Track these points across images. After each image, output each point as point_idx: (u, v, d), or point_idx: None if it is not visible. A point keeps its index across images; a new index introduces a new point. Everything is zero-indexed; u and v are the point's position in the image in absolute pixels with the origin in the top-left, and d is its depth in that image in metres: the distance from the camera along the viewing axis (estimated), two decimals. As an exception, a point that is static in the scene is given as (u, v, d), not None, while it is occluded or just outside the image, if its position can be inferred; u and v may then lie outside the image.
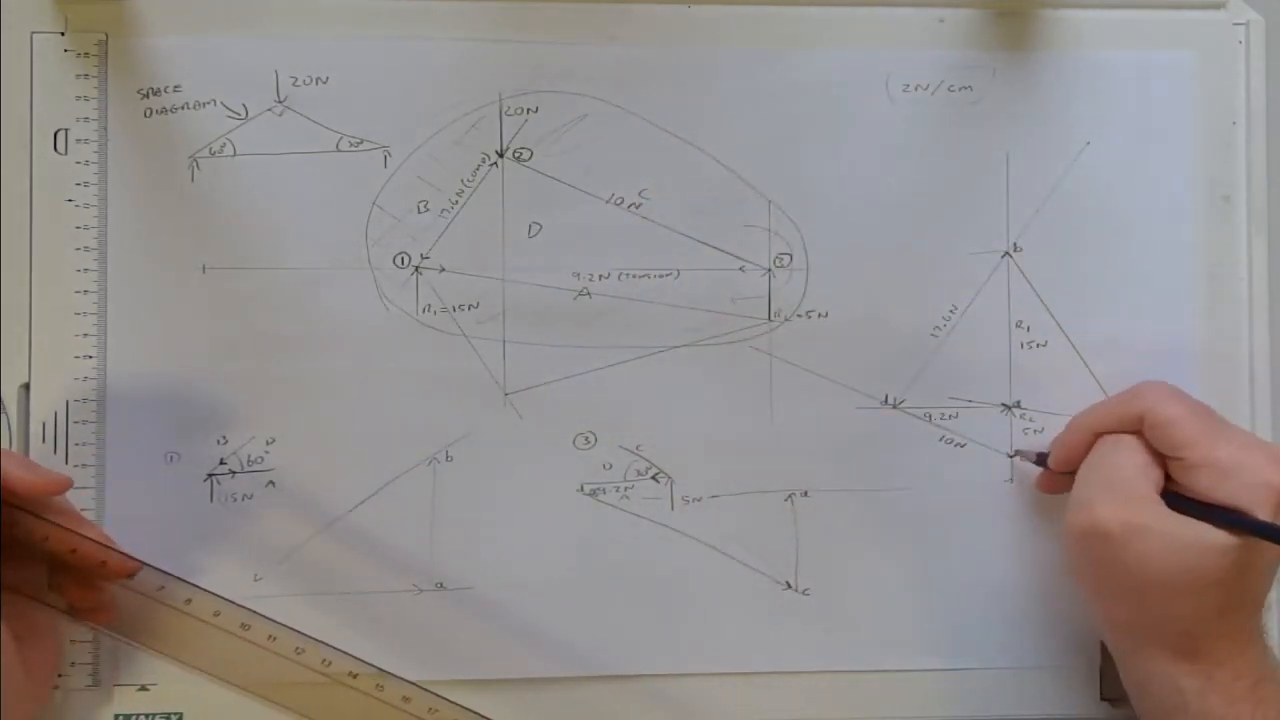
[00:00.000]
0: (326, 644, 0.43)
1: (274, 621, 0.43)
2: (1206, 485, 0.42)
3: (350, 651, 0.44)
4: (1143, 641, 0.44)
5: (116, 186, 0.47)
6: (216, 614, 0.44)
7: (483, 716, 0.45)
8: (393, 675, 0.43)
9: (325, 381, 0.48)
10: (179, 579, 0.44)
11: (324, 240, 0.48)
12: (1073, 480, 0.46)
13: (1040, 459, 0.48)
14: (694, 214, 0.49)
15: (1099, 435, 0.46)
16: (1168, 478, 0.44)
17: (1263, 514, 0.41)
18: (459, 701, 0.44)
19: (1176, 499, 0.43)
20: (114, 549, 0.44)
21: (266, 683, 0.44)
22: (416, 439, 0.48)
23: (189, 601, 0.44)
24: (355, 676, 0.44)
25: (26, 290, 0.47)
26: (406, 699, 0.43)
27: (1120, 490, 0.43)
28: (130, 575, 0.44)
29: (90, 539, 0.44)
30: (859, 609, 0.49)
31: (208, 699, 0.44)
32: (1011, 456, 0.49)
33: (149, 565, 0.44)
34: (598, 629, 0.48)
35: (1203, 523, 0.42)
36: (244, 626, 0.44)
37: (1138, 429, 0.44)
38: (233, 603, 0.43)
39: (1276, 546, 0.41)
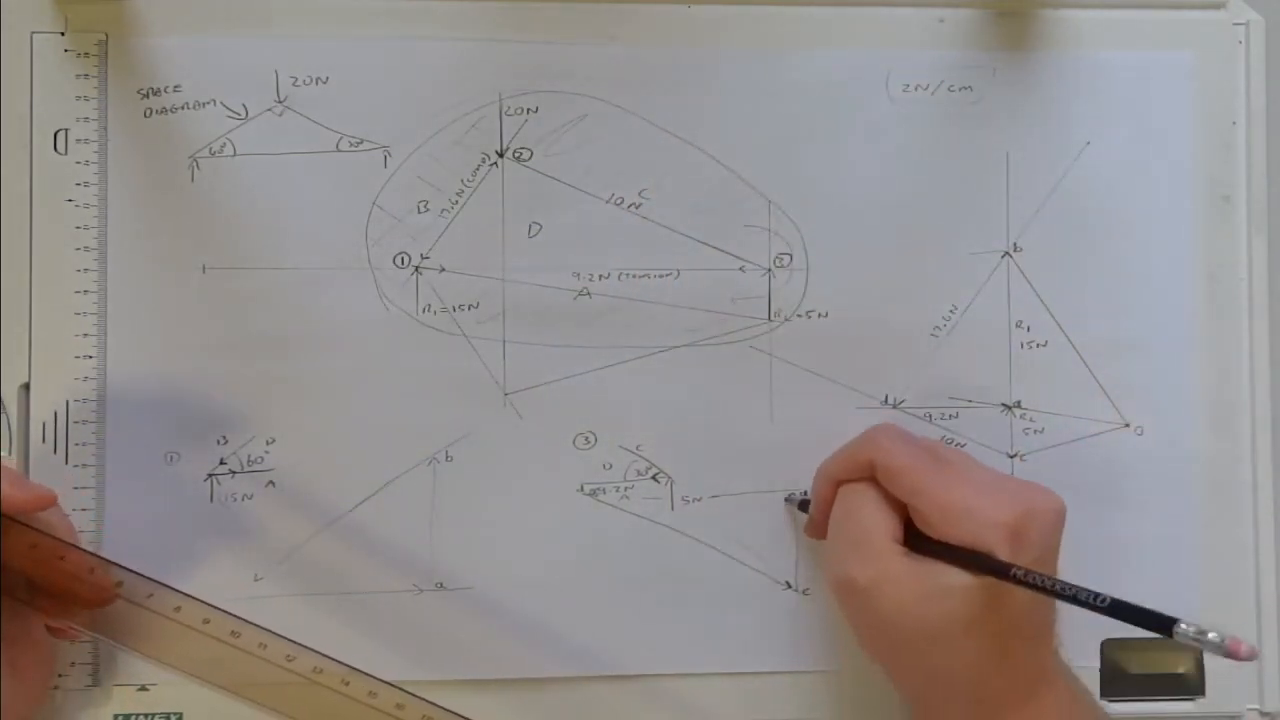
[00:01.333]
0: (317, 651, 0.43)
1: (264, 629, 0.43)
2: (941, 529, 0.41)
3: (350, 651, 0.44)
4: (933, 700, 0.43)
5: (116, 186, 0.47)
6: (206, 621, 0.43)
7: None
8: (386, 682, 0.43)
9: (325, 381, 0.48)
10: (168, 587, 0.43)
11: (324, 240, 0.48)
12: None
13: (803, 505, 0.48)
14: (694, 214, 0.49)
15: (839, 484, 0.45)
16: (909, 522, 0.43)
17: (1001, 553, 0.40)
18: (459, 702, 0.44)
19: (918, 543, 0.42)
20: (91, 575, 0.43)
21: (257, 689, 0.44)
22: (416, 439, 0.48)
23: (178, 609, 0.43)
24: (347, 683, 0.43)
25: (26, 290, 0.47)
26: (400, 706, 0.43)
27: (861, 543, 0.42)
28: (104, 604, 0.43)
29: (76, 548, 0.43)
30: (859, 609, 0.49)
31: (207, 699, 0.44)
32: (786, 500, 0.48)
33: (136, 573, 0.44)
34: (598, 629, 0.48)
35: (942, 564, 0.41)
36: (234, 634, 0.43)
37: (872, 475, 0.43)
38: (222, 610, 0.43)
39: (1023, 589, 0.40)
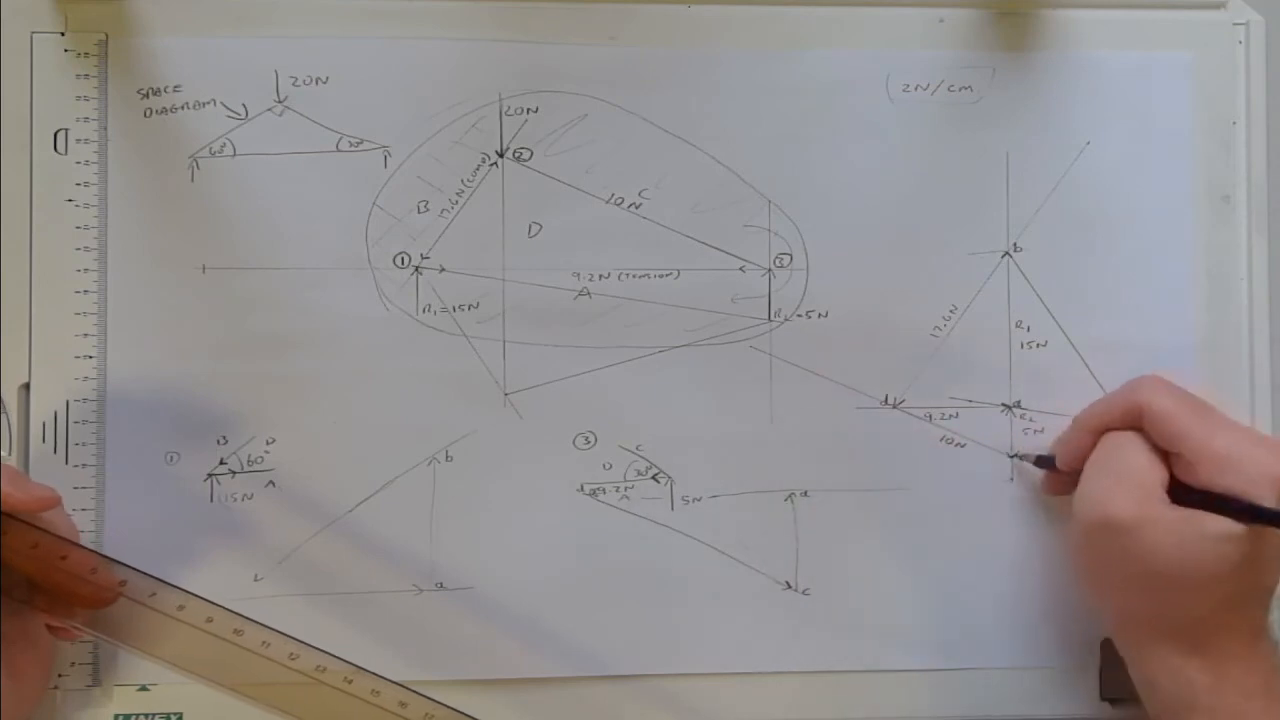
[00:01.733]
0: (320, 649, 0.43)
1: (267, 627, 0.43)
2: (1207, 477, 0.42)
3: (350, 651, 0.44)
4: (1153, 637, 0.44)
5: (116, 186, 0.47)
6: (209, 620, 0.43)
7: None
8: (389, 680, 0.43)
9: (325, 381, 0.48)
10: (171, 585, 0.43)
11: (324, 240, 0.48)
12: (1076, 481, 0.45)
13: (1040, 461, 0.48)
14: (694, 214, 0.49)
15: (1102, 433, 0.46)
16: (1172, 474, 0.44)
17: (1267, 504, 0.41)
18: (459, 702, 0.44)
19: (1181, 493, 0.43)
20: (93, 575, 0.43)
21: (260, 688, 0.44)
22: (416, 439, 0.48)
23: (181, 608, 0.43)
24: (351, 681, 0.43)
25: (26, 290, 0.47)
26: (403, 704, 0.43)
27: (1130, 483, 0.43)
28: (106, 604, 0.43)
29: (79, 547, 0.43)
30: (859, 609, 0.49)
31: (207, 699, 0.44)
32: (1012, 457, 0.49)
33: (139, 571, 0.44)
34: (598, 629, 0.48)
35: (1207, 513, 0.42)
36: (237, 632, 0.43)
37: (1138, 424, 0.45)
38: (225, 609, 0.43)
39: (1278, 538, 0.41)
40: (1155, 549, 0.42)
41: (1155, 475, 0.43)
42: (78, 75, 0.47)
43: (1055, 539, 0.49)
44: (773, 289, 0.49)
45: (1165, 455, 0.44)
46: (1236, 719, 0.42)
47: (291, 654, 0.43)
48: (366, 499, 0.48)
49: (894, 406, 0.49)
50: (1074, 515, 0.45)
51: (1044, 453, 0.48)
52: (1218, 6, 0.50)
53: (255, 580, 0.47)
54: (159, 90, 0.47)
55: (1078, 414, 0.47)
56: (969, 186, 0.49)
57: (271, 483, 0.48)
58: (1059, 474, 0.48)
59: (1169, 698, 0.44)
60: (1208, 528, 0.41)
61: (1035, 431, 0.49)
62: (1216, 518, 0.41)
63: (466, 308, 0.48)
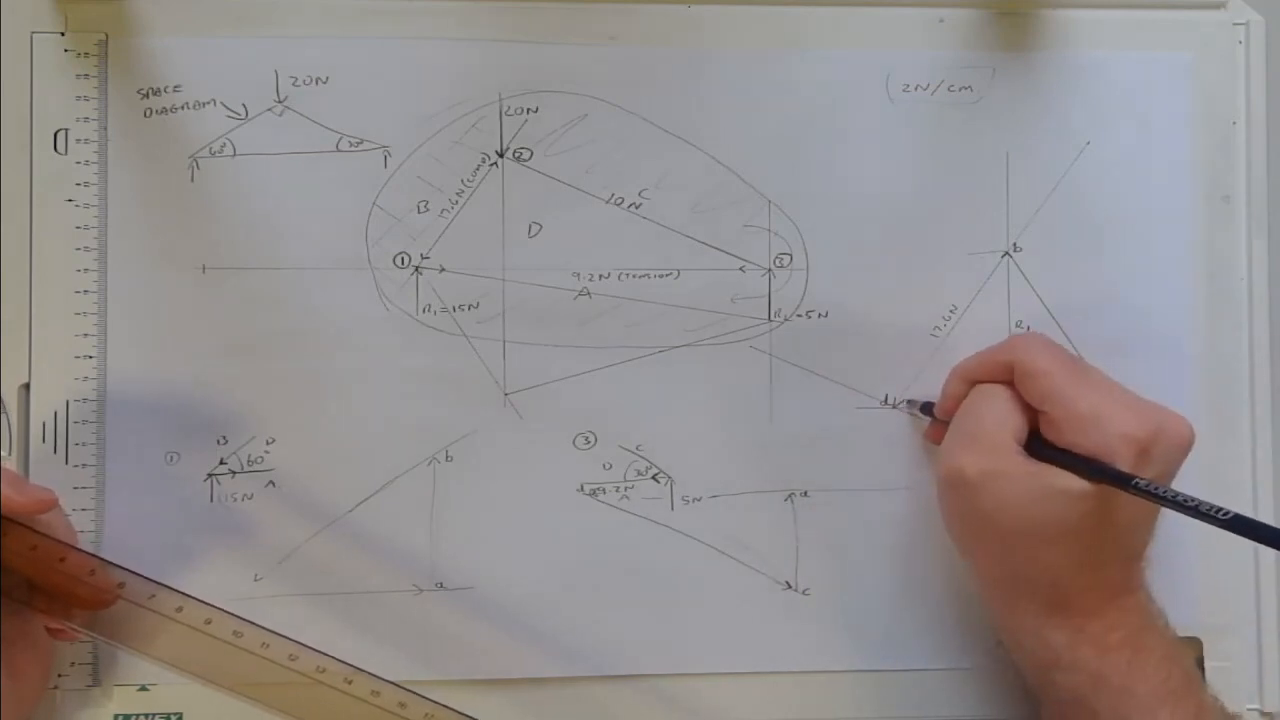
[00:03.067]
0: (319, 651, 0.43)
1: (267, 629, 0.43)
2: (1069, 437, 0.42)
3: (350, 651, 0.44)
4: (1012, 595, 0.44)
5: (116, 186, 0.47)
6: (208, 622, 0.43)
7: (480, 720, 0.45)
8: (389, 681, 0.43)
9: (325, 381, 0.48)
10: (169, 587, 0.43)
11: (324, 240, 0.48)
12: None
13: (925, 408, 0.48)
14: (694, 214, 0.49)
15: (973, 384, 0.46)
16: (1037, 430, 0.44)
17: (1123, 464, 0.41)
18: (459, 702, 0.44)
19: (1039, 448, 0.43)
20: (92, 576, 0.43)
21: (260, 689, 0.44)
22: (416, 439, 0.48)
23: (180, 609, 0.43)
24: (350, 682, 0.43)
25: (26, 290, 0.47)
26: (403, 705, 0.43)
27: (981, 438, 0.43)
28: (105, 606, 0.43)
29: (78, 549, 0.43)
30: (859, 609, 0.49)
31: (207, 699, 0.44)
32: (896, 406, 0.49)
33: (138, 574, 0.44)
34: (598, 629, 0.48)
35: (1059, 469, 0.42)
36: (236, 634, 0.43)
37: (1009, 379, 0.45)
38: (224, 610, 0.43)
39: (1137, 499, 0.41)
40: (1002, 503, 0.42)
41: (1009, 429, 0.43)
42: (78, 75, 0.47)
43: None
44: (773, 289, 0.49)
45: (1032, 412, 0.44)
46: (1098, 676, 0.42)
47: (291, 655, 0.43)
48: (366, 499, 0.48)
49: (894, 406, 0.49)
50: (935, 471, 0.45)
51: (932, 400, 0.49)
52: (1218, 6, 0.50)
53: (255, 580, 0.47)
54: (159, 90, 0.47)
55: (956, 364, 0.48)
56: (969, 186, 0.49)
57: (271, 483, 0.48)
58: (938, 424, 0.48)
59: (1032, 657, 0.44)
60: (1055, 483, 0.41)
61: (1035, 431, 0.49)
62: (1064, 474, 0.41)
63: (466, 308, 0.48)
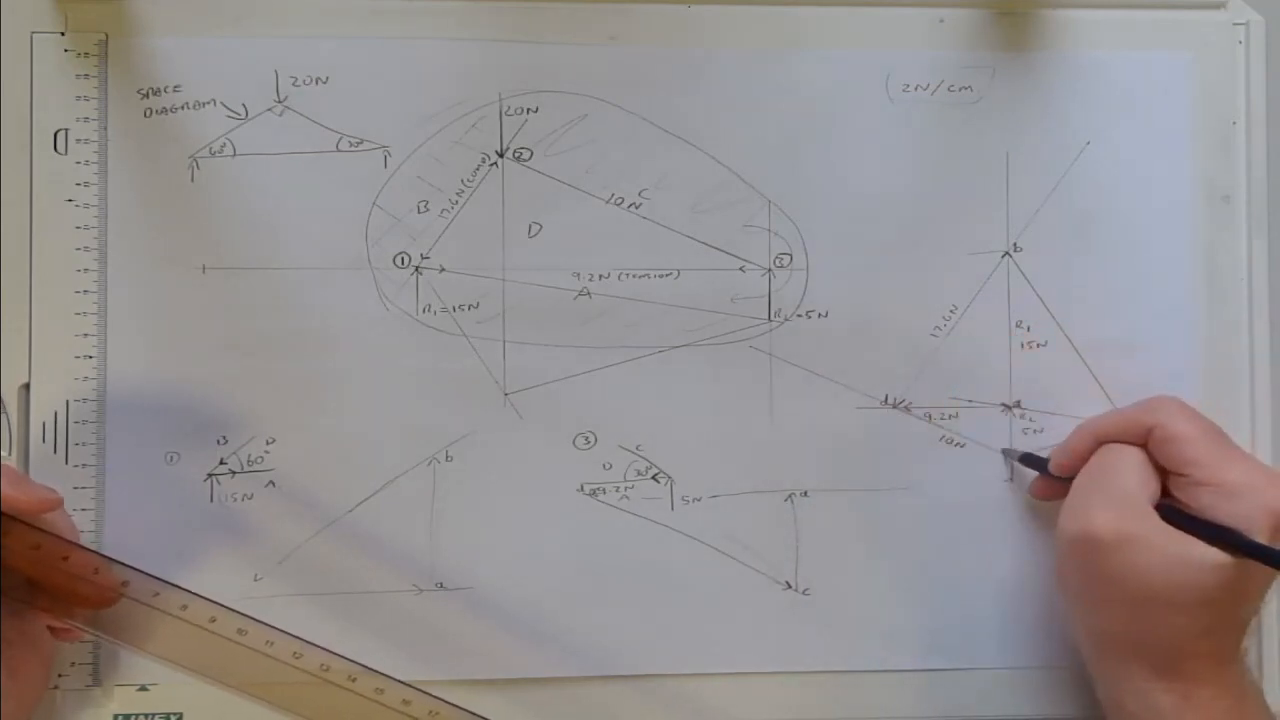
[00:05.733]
0: (324, 648, 0.43)
1: (271, 627, 0.43)
2: (1208, 504, 0.42)
3: (351, 651, 0.44)
4: (1123, 656, 0.43)
5: (116, 186, 0.47)
6: (213, 620, 0.43)
7: (483, 718, 0.45)
8: (393, 679, 0.43)
9: (325, 381, 0.48)
10: (174, 585, 0.43)
11: (324, 240, 0.48)
12: (1068, 487, 0.45)
13: (1026, 459, 0.48)
14: (694, 214, 0.49)
15: (1102, 443, 0.45)
16: (1165, 492, 0.44)
17: (1260, 537, 0.41)
18: (459, 701, 0.44)
19: (1172, 513, 0.43)
20: (96, 575, 0.43)
21: (265, 687, 0.44)
22: (416, 439, 0.48)
23: (185, 608, 0.43)
24: (354, 680, 0.43)
25: (26, 290, 0.47)
26: (406, 702, 0.43)
27: (1118, 499, 0.43)
28: (108, 605, 0.43)
29: (82, 548, 0.43)
30: (859, 609, 0.49)
31: (207, 699, 0.44)
32: (1003, 452, 0.49)
33: (142, 572, 0.44)
34: (597, 629, 0.48)
35: (1196, 539, 0.41)
36: (241, 632, 0.43)
37: (1143, 441, 0.44)
38: (229, 608, 0.43)
39: (1268, 570, 0.41)
40: (1137, 569, 0.42)
41: (1146, 493, 0.43)
42: (78, 75, 0.47)
43: (1055, 539, 0.49)
44: (773, 289, 0.49)
45: (1162, 473, 0.44)
46: None
47: (295, 653, 0.43)
48: (366, 499, 0.48)
49: (894, 406, 0.49)
50: (1059, 525, 0.45)
51: (1033, 453, 0.48)
52: (1218, 6, 0.50)
53: (255, 580, 0.47)
54: (159, 90, 0.47)
55: (1085, 419, 0.47)
56: (969, 186, 0.49)
57: (271, 483, 0.48)
58: (1049, 479, 0.47)
59: (1133, 718, 0.43)
60: (1195, 554, 0.41)
61: (1035, 431, 0.49)
62: (1206, 546, 0.41)
63: (466, 308, 0.48)
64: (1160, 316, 0.50)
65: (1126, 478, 0.44)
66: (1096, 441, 0.46)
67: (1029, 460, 0.48)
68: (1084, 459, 0.46)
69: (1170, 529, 0.42)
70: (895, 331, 0.49)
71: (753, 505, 0.49)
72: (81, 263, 0.47)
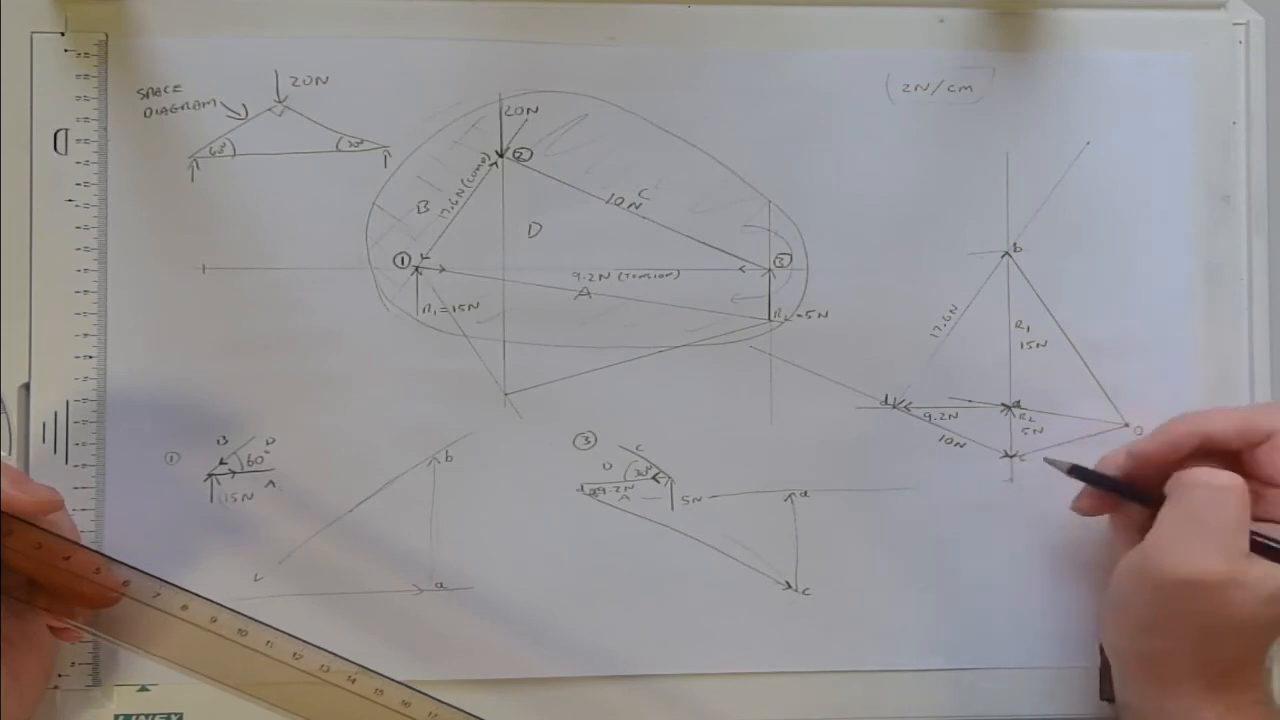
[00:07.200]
0: (324, 649, 0.43)
1: (271, 627, 0.43)
2: None
3: (351, 651, 0.44)
4: (1176, 675, 0.43)
5: (116, 186, 0.47)
6: (213, 620, 0.43)
7: (482, 719, 0.45)
8: (392, 679, 0.43)
9: (325, 381, 0.48)
10: (175, 586, 0.43)
11: (324, 240, 0.48)
12: (1117, 504, 0.45)
13: (1077, 472, 0.46)
14: (694, 214, 0.49)
15: (1207, 439, 0.44)
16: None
17: None
18: (459, 701, 0.44)
19: (1254, 543, 0.42)
20: (97, 575, 0.43)
21: (265, 687, 0.44)
22: (416, 439, 0.48)
23: (185, 608, 0.43)
24: (354, 680, 0.43)
25: (26, 290, 0.47)
26: (406, 703, 0.43)
27: (1223, 544, 0.41)
28: (109, 604, 0.43)
29: (83, 547, 0.43)
30: (859, 609, 0.49)
31: (208, 699, 0.44)
32: (1048, 462, 0.47)
33: (143, 572, 0.44)
34: (597, 629, 0.48)
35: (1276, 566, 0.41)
36: (241, 632, 0.43)
37: (1257, 443, 0.44)
38: (229, 609, 0.43)
39: None
40: (1228, 606, 0.41)
41: (1247, 531, 0.42)
42: (78, 75, 0.47)
43: (1054, 539, 0.49)
44: (773, 289, 0.49)
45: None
46: None
47: (295, 653, 0.43)
48: (366, 499, 0.48)
49: (894, 406, 0.49)
50: (1145, 564, 0.42)
51: (1083, 464, 0.46)
52: (1218, 6, 0.50)
53: (255, 580, 0.47)
54: (159, 90, 0.47)
55: (1185, 413, 0.45)
56: (969, 186, 0.49)
57: (271, 483, 0.48)
58: (1103, 494, 0.46)
59: None
60: None
61: (1035, 431, 0.49)
62: None
63: (466, 308, 0.48)
64: (1160, 316, 0.50)
65: (1231, 515, 0.42)
66: (1201, 438, 0.44)
67: (1081, 473, 0.46)
68: (1183, 455, 0.44)
69: (1260, 562, 0.41)
70: (895, 331, 0.49)
71: (753, 505, 0.49)
72: (81, 263, 0.47)
